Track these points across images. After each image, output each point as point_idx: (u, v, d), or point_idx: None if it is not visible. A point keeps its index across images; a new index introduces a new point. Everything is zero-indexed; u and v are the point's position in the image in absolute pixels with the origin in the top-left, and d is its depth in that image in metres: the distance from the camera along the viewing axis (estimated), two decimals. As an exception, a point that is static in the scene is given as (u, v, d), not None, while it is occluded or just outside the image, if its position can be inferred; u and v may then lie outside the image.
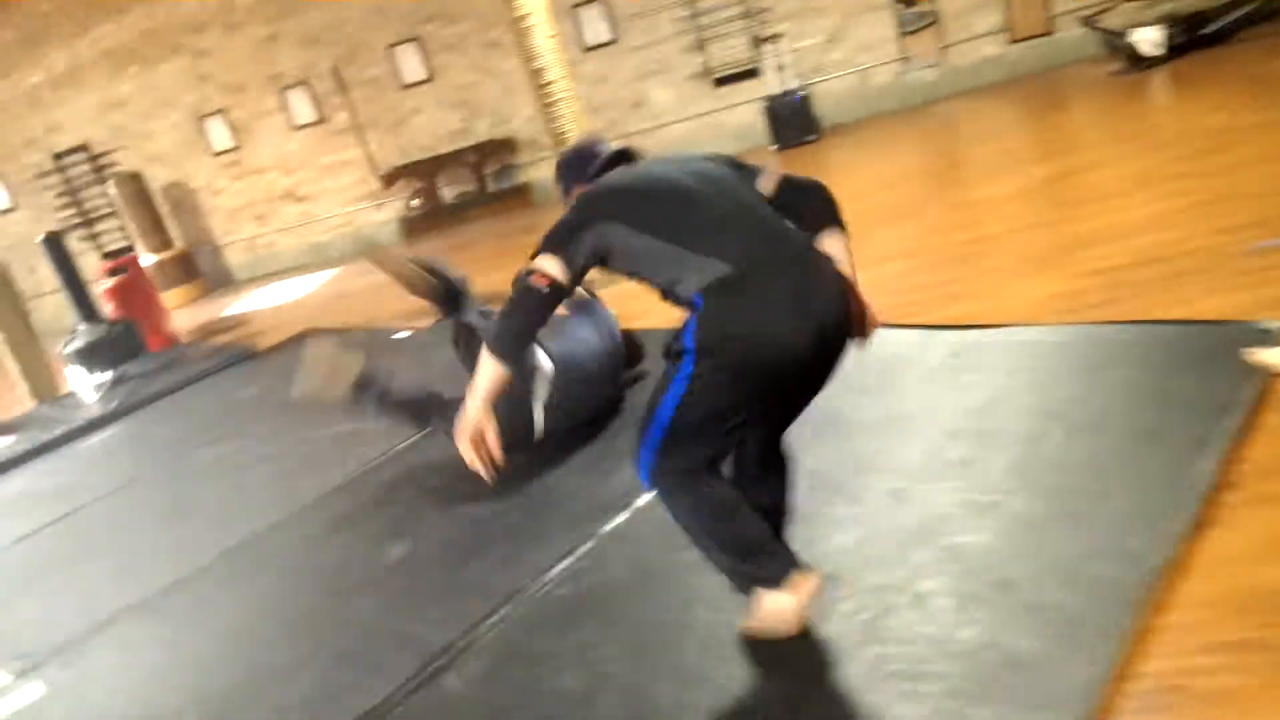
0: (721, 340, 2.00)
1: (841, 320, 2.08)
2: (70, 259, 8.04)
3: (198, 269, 12.01)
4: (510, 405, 2.82)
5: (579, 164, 2.47)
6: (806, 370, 2.08)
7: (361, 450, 4.30)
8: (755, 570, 2.19)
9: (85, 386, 7.55)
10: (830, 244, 2.20)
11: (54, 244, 7.94)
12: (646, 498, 3.08)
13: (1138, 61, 7.84)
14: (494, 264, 6.44)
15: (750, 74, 9.66)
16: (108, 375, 7.53)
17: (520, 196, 10.57)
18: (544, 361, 3.52)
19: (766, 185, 2.28)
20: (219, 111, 11.45)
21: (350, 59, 10.67)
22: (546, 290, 2.07)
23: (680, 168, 2.24)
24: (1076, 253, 4.23)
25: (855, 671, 2.09)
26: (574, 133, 5.88)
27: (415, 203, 11.03)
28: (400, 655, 2.65)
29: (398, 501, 3.75)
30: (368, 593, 3.13)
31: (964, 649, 2.04)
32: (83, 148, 12.09)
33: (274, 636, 3.03)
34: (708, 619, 2.39)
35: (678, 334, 2.05)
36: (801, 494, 2.44)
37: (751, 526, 2.18)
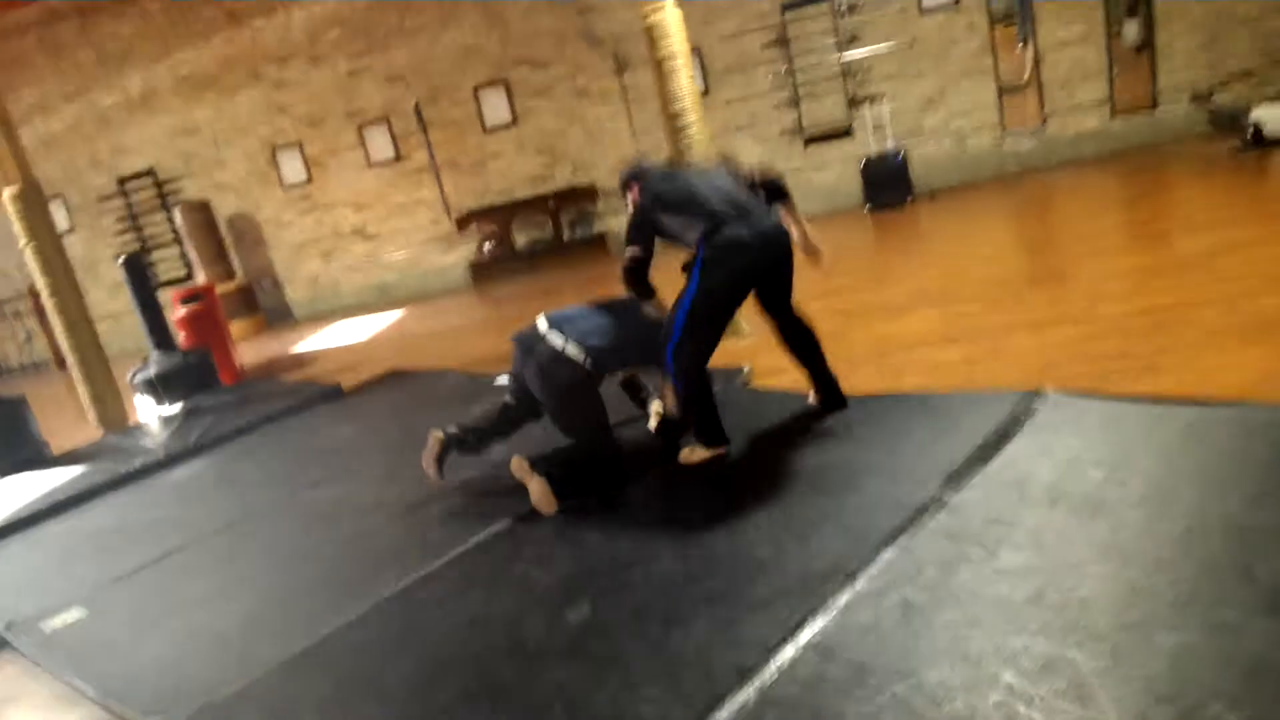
0: (712, 254, 3.63)
1: (781, 239, 3.75)
2: (149, 282, 7.80)
3: (257, 303, 11.78)
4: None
5: (636, 174, 4.02)
6: (767, 267, 3.78)
7: (495, 500, 3.96)
8: (710, 432, 3.88)
9: (155, 417, 7.26)
10: (784, 208, 3.85)
11: (134, 266, 7.69)
12: (872, 569, 2.75)
13: (1259, 140, 7.62)
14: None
15: (843, 134, 9.48)
16: (178, 407, 7.24)
17: (597, 246, 10.35)
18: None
19: (752, 177, 3.91)
20: (294, 144, 11.31)
21: (434, 98, 10.55)
22: (634, 265, 3.88)
23: (690, 174, 4.02)
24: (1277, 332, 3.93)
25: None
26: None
27: (488, 246, 10.81)
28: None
29: (558, 560, 3.40)
30: (560, 659, 2.77)
31: None
32: (149, 172, 11.95)
33: (457, 702, 2.66)
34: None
35: (689, 261, 3.73)
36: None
37: (714, 408, 3.89)
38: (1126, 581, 2.46)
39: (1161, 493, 2.88)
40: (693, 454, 3.89)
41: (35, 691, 3.42)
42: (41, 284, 6.99)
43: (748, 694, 2.37)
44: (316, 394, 6.98)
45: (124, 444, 6.83)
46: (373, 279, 11.53)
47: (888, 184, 8.95)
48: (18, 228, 6.86)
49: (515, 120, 10.39)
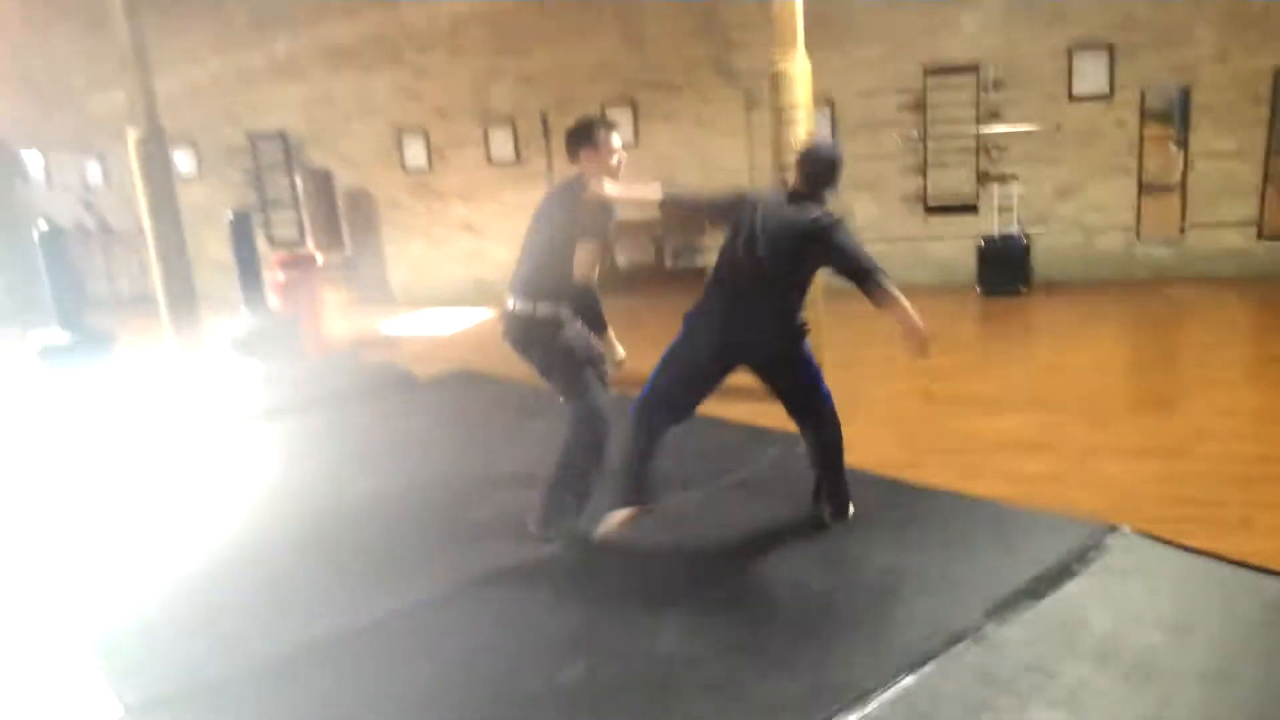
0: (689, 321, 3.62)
1: (758, 342, 3.52)
2: (253, 241, 7.96)
3: (360, 277, 11.99)
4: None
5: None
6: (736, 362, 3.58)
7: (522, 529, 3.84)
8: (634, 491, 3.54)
9: (238, 374, 7.39)
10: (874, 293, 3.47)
11: (242, 223, 7.86)
12: (888, 693, 2.53)
13: None
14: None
15: (968, 208, 9.14)
16: (261, 369, 7.35)
17: (698, 278, 10.20)
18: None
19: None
20: (420, 130, 11.51)
21: (562, 107, 10.58)
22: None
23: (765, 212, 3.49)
24: None
25: None
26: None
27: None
28: None
29: (568, 608, 3.26)
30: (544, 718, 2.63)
31: None
32: (279, 134, 12.30)
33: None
34: None
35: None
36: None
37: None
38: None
39: (1226, 668, 2.60)
40: (610, 522, 3.59)
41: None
42: (148, 227, 7.19)
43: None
44: (388, 380, 7.01)
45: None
46: (472, 272, 11.60)
47: (1006, 268, 8.57)
48: (137, 171, 7.08)
49: (636, 140, 10.34)
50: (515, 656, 2.97)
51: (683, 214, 3.55)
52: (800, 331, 3.59)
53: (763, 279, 3.42)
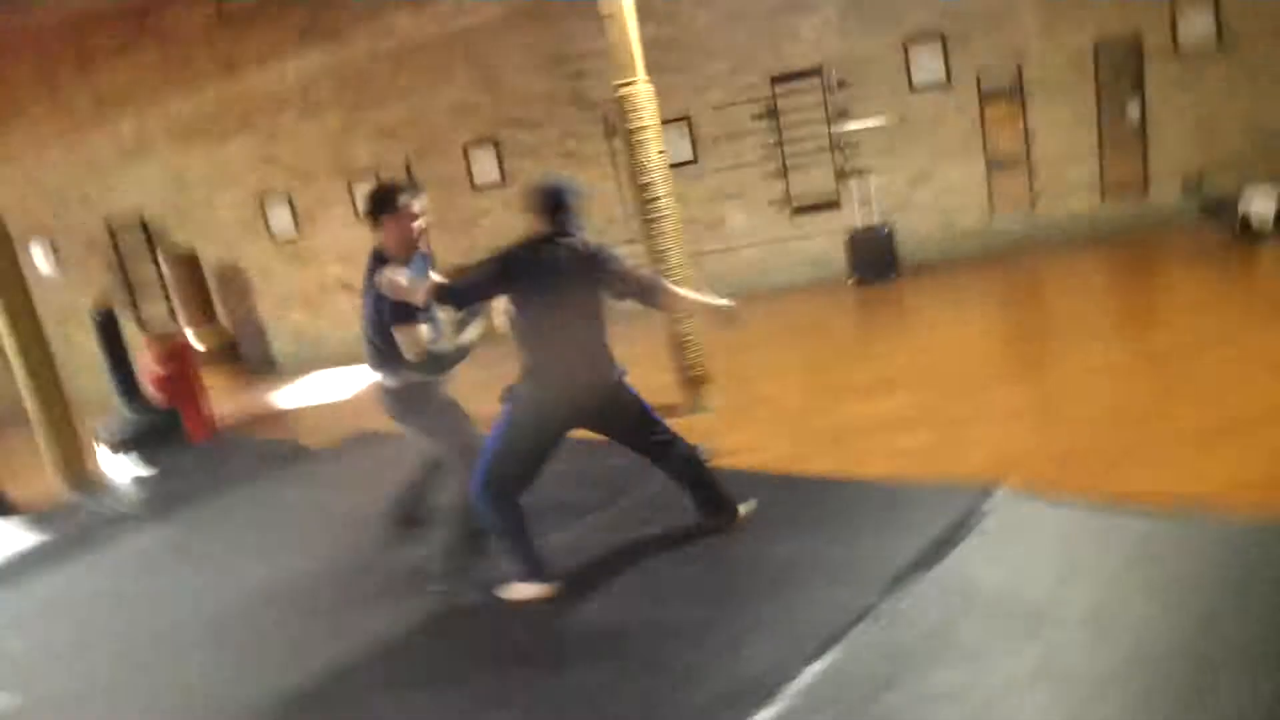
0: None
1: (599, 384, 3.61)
2: (122, 338, 7.70)
3: (240, 353, 11.69)
4: None
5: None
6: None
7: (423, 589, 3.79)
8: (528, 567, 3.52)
9: (122, 476, 7.10)
10: (665, 296, 3.65)
11: (107, 320, 7.61)
12: (798, 683, 2.59)
13: (1247, 231, 7.54)
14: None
15: (831, 205, 9.44)
16: (144, 467, 7.08)
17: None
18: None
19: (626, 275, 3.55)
20: (283, 195, 11.31)
21: (425, 155, 10.57)
22: None
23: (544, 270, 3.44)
24: (1249, 434, 3.79)
25: None
26: (673, 251, 5.57)
27: (472, 305, 10.72)
28: None
29: (484, 657, 3.23)
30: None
31: None
32: (139, 220, 11.94)
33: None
34: None
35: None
36: None
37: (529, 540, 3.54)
38: (1064, 709, 2.30)
39: (1110, 609, 2.74)
40: (514, 591, 3.55)
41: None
42: (5, 334, 6.87)
43: None
44: (282, 455, 6.84)
45: (84, 504, 6.67)
46: (355, 330, 11.38)
47: (874, 258, 8.87)
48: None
49: (504, 180, 10.38)
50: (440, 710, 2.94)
51: (468, 297, 3.41)
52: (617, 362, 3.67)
53: (581, 318, 3.49)
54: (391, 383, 3.64)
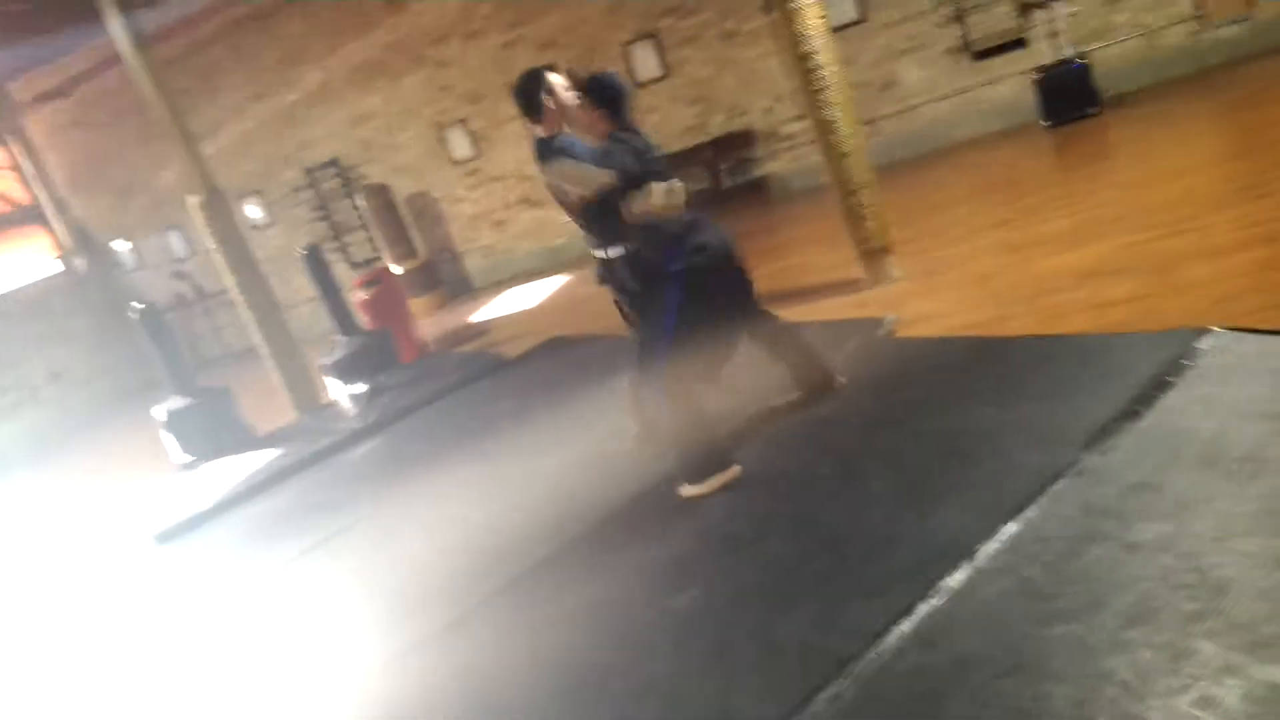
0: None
1: None
2: (329, 271, 8.24)
3: (439, 277, 12.27)
4: None
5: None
6: None
7: (627, 475, 3.93)
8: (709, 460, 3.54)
9: (344, 397, 7.71)
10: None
11: (313, 257, 8.15)
12: (992, 545, 2.53)
13: None
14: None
15: (1017, 44, 8.72)
16: (364, 387, 7.64)
17: (757, 192, 10.08)
18: None
19: None
20: (459, 121, 11.63)
21: (587, 60, 10.53)
22: None
23: None
24: None
25: None
26: (842, 120, 5.33)
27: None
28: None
29: (676, 537, 3.33)
30: (663, 649, 2.72)
31: None
32: (333, 162, 12.61)
33: (557, 704, 2.65)
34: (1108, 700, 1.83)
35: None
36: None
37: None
38: (1276, 558, 2.12)
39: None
40: (694, 490, 3.56)
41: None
42: (230, 282, 7.53)
43: (845, 686, 2.25)
44: (483, 367, 7.20)
45: (315, 425, 7.34)
46: (543, 243, 11.73)
47: (1068, 95, 8.14)
48: (206, 233, 7.41)
49: (667, 72, 10.21)
50: (627, 598, 3.07)
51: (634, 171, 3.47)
52: None
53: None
54: (608, 253, 3.69)
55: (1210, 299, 3.68)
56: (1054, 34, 8.37)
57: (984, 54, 8.93)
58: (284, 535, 5.03)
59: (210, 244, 7.43)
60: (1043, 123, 8.31)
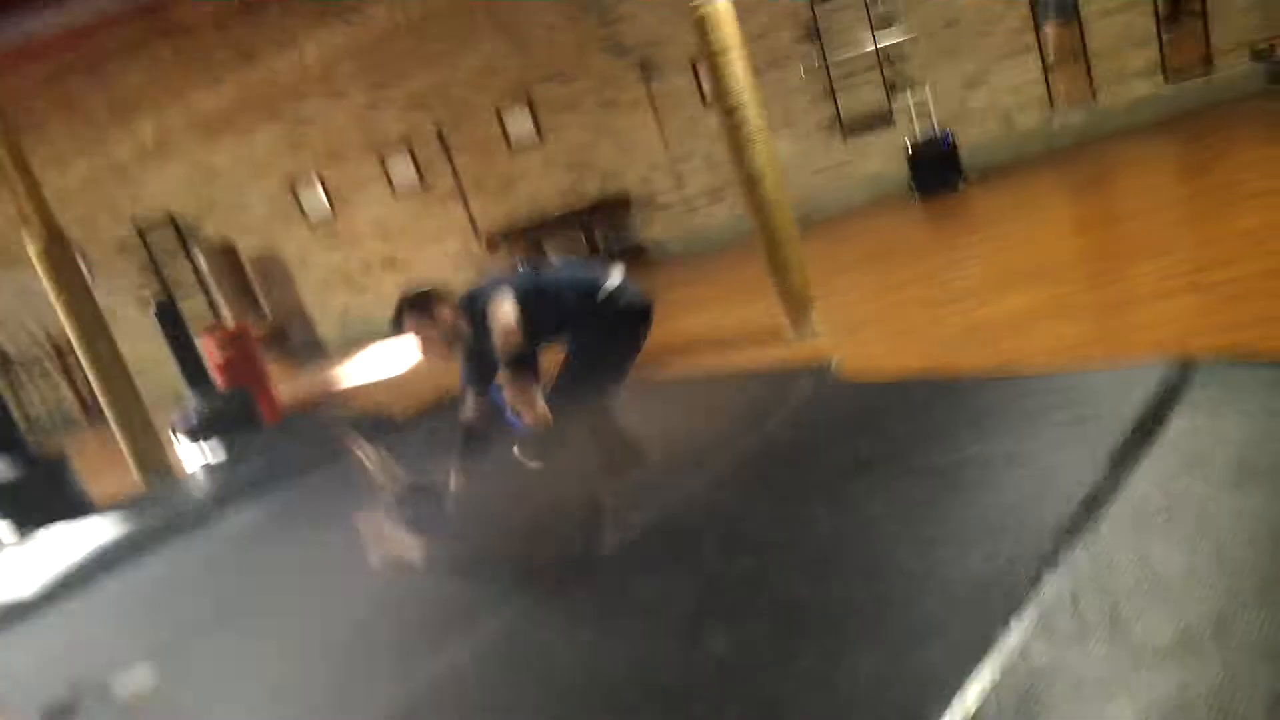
0: None
1: None
2: (185, 325, 7.54)
3: (289, 342, 11.54)
4: None
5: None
6: None
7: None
8: None
9: (201, 462, 6.98)
10: None
11: (167, 311, 7.46)
12: (1058, 569, 2.39)
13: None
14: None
15: (884, 122, 9.16)
16: (222, 450, 6.95)
17: (636, 257, 10.04)
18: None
19: None
20: (316, 179, 11.09)
21: (456, 123, 10.31)
22: None
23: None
24: None
25: None
26: (769, 173, 5.34)
27: (521, 267, 10.52)
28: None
29: (669, 578, 3.03)
30: (708, 699, 2.41)
31: None
32: (170, 219, 11.75)
33: None
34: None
35: None
36: None
37: None
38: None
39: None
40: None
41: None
42: (74, 336, 6.73)
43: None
44: (372, 426, 6.66)
45: (169, 493, 6.55)
46: (404, 310, 11.26)
47: (936, 170, 8.60)
48: (47, 283, 6.60)
49: (541, 138, 10.13)
50: (641, 643, 2.75)
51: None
52: None
53: None
54: None
55: (1169, 338, 3.80)
56: (920, 115, 8.85)
57: (854, 131, 9.33)
58: (173, 607, 4.36)
59: (52, 294, 6.61)
60: (914, 196, 8.71)
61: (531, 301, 3.52)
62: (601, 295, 3.65)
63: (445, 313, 3.58)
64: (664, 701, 2.45)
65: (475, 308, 3.55)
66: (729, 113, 5.26)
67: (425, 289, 3.63)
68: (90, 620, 4.62)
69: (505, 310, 3.45)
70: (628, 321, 3.73)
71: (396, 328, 3.62)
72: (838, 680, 2.29)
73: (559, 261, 3.98)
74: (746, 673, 2.45)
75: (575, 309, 3.64)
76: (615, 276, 3.71)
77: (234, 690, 3.31)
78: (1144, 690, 1.90)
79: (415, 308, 3.60)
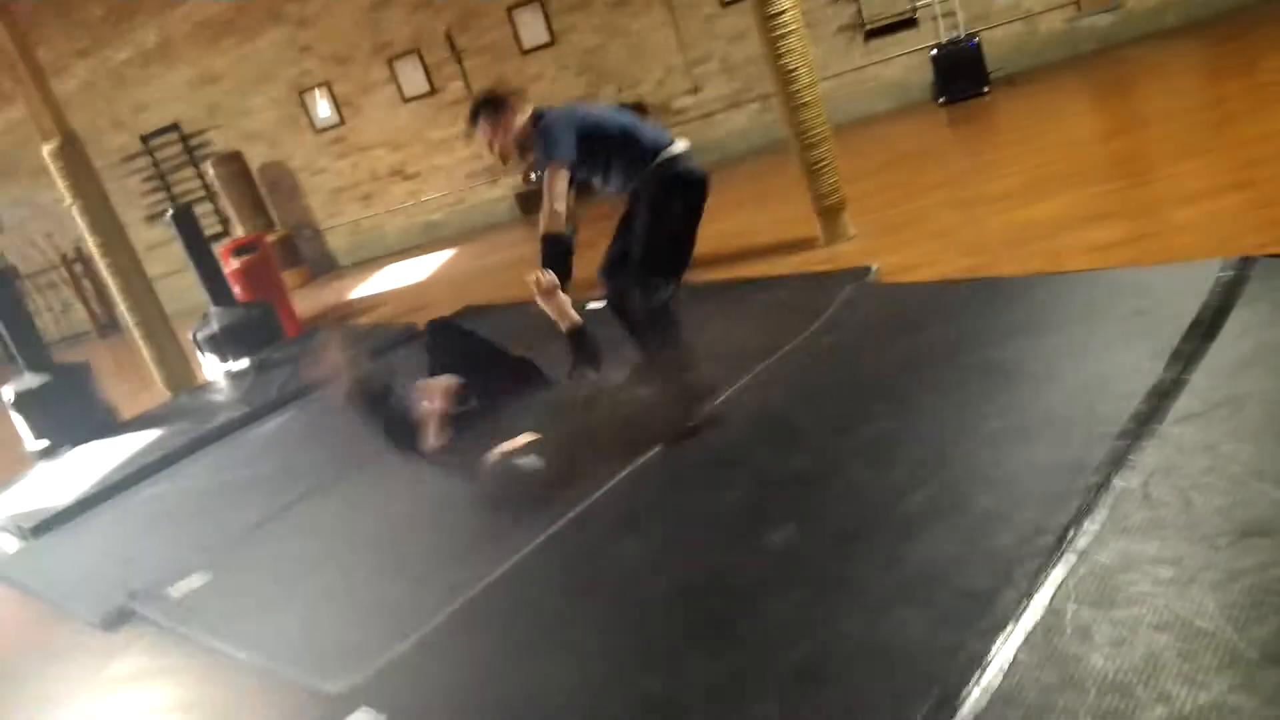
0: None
1: None
2: (203, 236, 7.45)
3: (300, 254, 11.43)
4: None
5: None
6: None
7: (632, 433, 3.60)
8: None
9: (223, 374, 6.98)
10: None
11: (184, 219, 7.33)
12: (1133, 459, 2.38)
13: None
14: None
15: (907, 24, 8.92)
16: (246, 362, 6.94)
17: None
18: None
19: None
20: (322, 85, 10.84)
21: (465, 24, 10.03)
22: None
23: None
24: None
25: None
26: (803, 71, 5.20)
27: (535, 176, 10.37)
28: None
29: (723, 480, 3.03)
30: (778, 588, 2.43)
31: None
32: (173, 127, 11.52)
33: (669, 643, 2.33)
34: None
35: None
36: None
37: None
38: None
39: None
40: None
41: (176, 664, 3.15)
42: (92, 243, 6.65)
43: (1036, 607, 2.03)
44: (393, 337, 6.64)
45: (196, 404, 6.56)
46: (417, 219, 11.13)
47: (962, 74, 8.40)
48: (61, 185, 6.50)
49: (554, 40, 9.87)
50: (701, 542, 2.77)
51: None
52: None
53: None
54: None
55: (1216, 238, 3.74)
56: (946, 15, 8.61)
57: (875, 33, 9.09)
58: (215, 512, 4.40)
59: (68, 198, 6.52)
60: (939, 100, 8.53)
61: (594, 139, 3.50)
62: (664, 156, 3.57)
63: (517, 119, 3.52)
64: (728, 591, 2.47)
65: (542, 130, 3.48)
66: (762, 2, 5.09)
67: (502, 92, 3.58)
68: (136, 527, 4.68)
69: (558, 188, 3.39)
70: (690, 187, 3.64)
71: (471, 124, 3.58)
72: (906, 563, 2.31)
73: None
74: (812, 560, 2.48)
75: (634, 161, 3.57)
76: (680, 143, 3.64)
77: (285, 590, 3.36)
78: (1224, 573, 1.91)
79: (490, 106, 3.54)
